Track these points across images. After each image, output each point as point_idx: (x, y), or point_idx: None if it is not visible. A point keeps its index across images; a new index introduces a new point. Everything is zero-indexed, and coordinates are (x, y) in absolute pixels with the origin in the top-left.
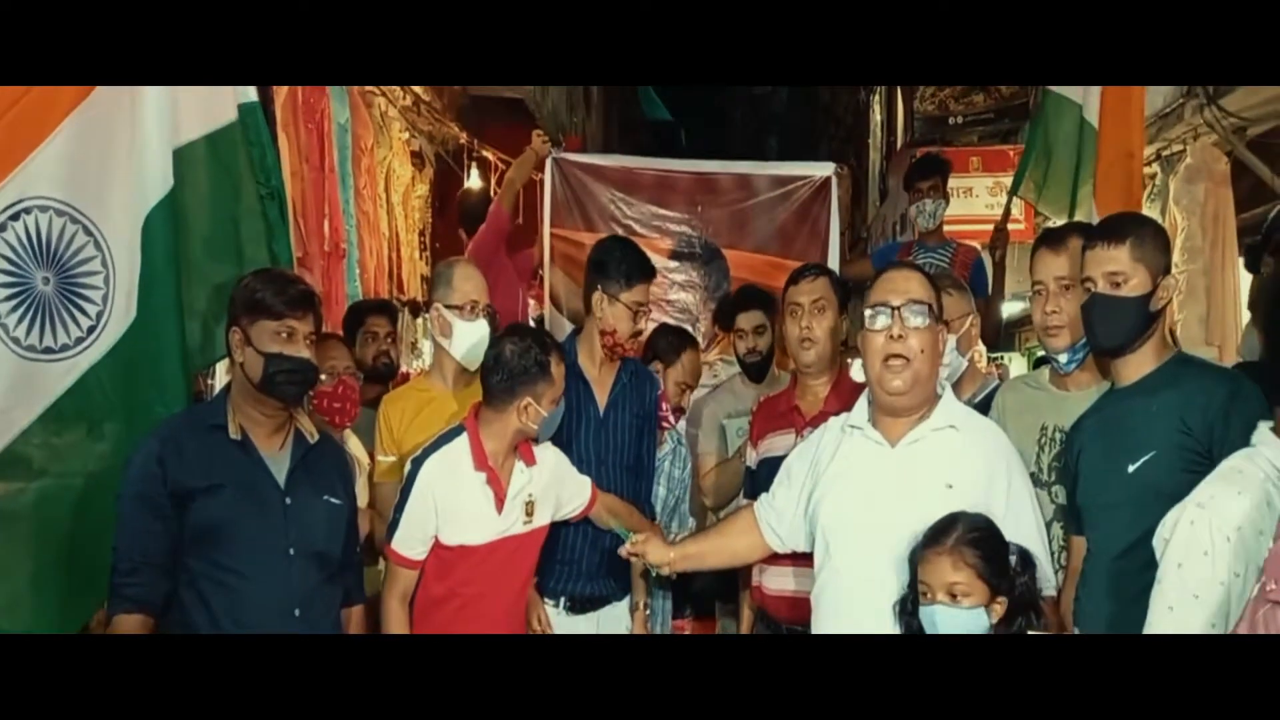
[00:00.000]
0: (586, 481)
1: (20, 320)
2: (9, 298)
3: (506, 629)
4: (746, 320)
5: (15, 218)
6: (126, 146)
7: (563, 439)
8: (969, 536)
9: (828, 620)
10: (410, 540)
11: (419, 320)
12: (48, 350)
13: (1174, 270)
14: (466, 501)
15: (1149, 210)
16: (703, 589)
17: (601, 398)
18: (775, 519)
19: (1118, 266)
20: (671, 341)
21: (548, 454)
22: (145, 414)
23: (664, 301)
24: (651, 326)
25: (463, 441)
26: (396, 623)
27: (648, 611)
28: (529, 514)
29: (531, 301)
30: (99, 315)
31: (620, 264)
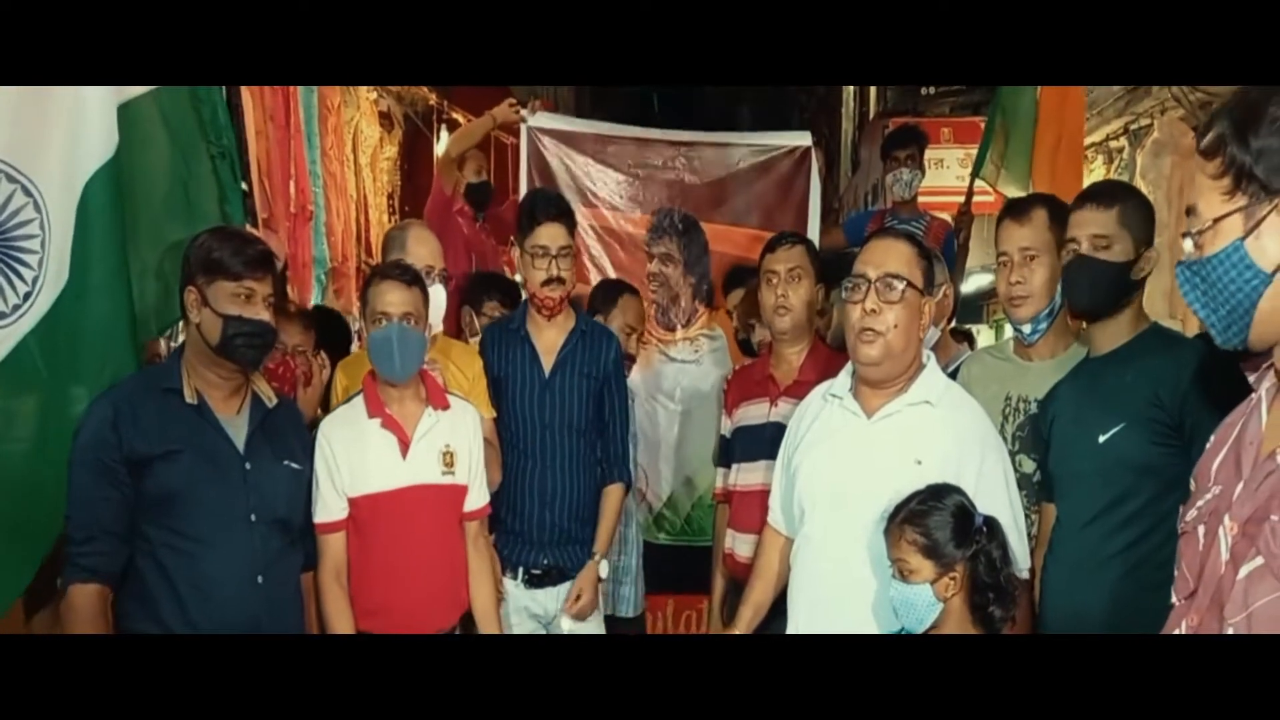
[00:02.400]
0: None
1: None
2: None
3: (447, 605)
4: (735, 298)
5: None
6: (68, 100)
7: (507, 402)
8: (911, 513)
9: (799, 583)
10: (322, 503)
11: None
12: None
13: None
14: (367, 450)
15: None
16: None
17: (548, 359)
18: (784, 515)
19: (1104, 229)
20: (606, 292)
21: (468, 409)
22: (93, 382)
23: (644, 275)
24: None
25: (359, 397)
26: (331, 599)
27: (603, 573)
28: (449, 464)
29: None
30: (34, 280)
31: (524, 212)
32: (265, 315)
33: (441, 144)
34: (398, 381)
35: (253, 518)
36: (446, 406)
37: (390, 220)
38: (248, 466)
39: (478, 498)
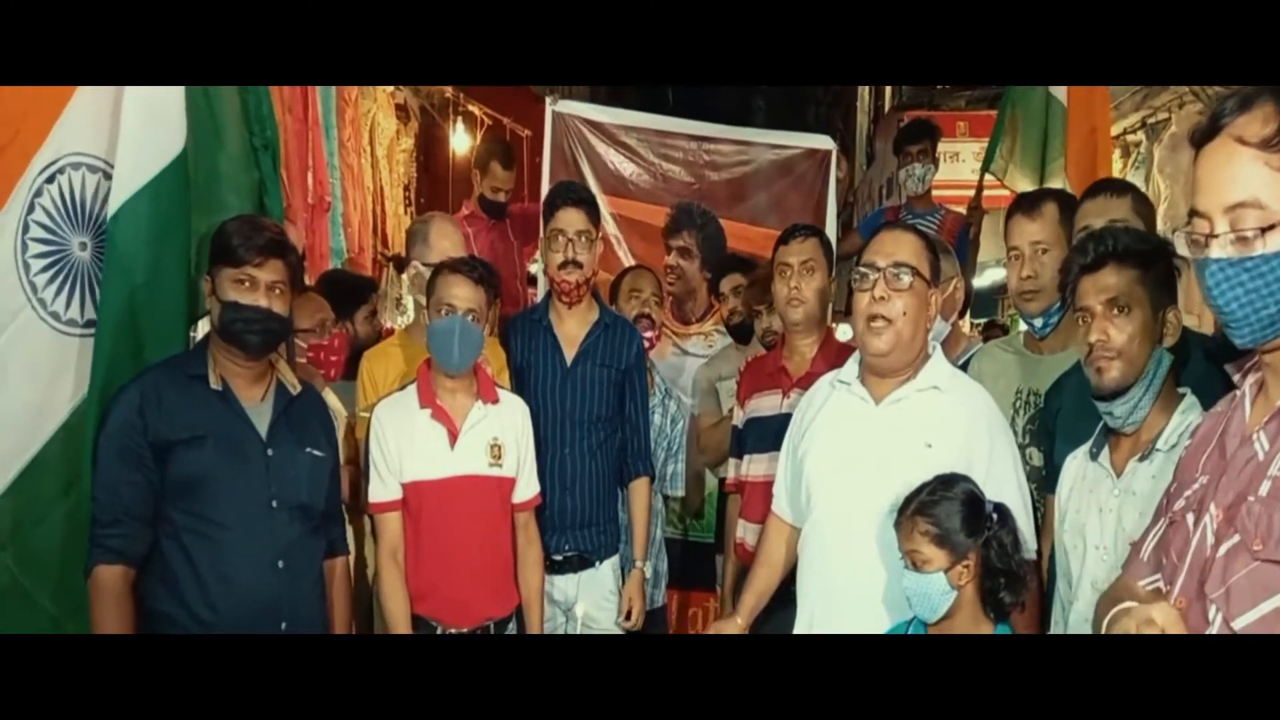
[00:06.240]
0: (535, 484)
1: (59, 292)
2: (46, 268)
3: (495, 596)
4: (727, 284)
5: (51, 180)
6: (146, 95)
7: (528, 390)
8: (922, 504)
9: (808, 571)
10: (379, 484)
11: (404, 276)
12: (90, 324)
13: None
14: (418, 438)
15: (1133, 178)
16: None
17: (570, 350)
18: (789, 503)
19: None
20: None
21: (517, 403)
22: None
23: (662, 267)
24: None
25: (414, 385)
26: (387, 578)
27: (648, 573)
28: (496, 457)
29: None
30: None
31: (546, 202)
32: (266, 302)
33: (458, 135)
34: (453, 373)
35: (274, 504)
36: (496, 400)
37: (407, 212)
38: (270, 453)
39: (527, 488)
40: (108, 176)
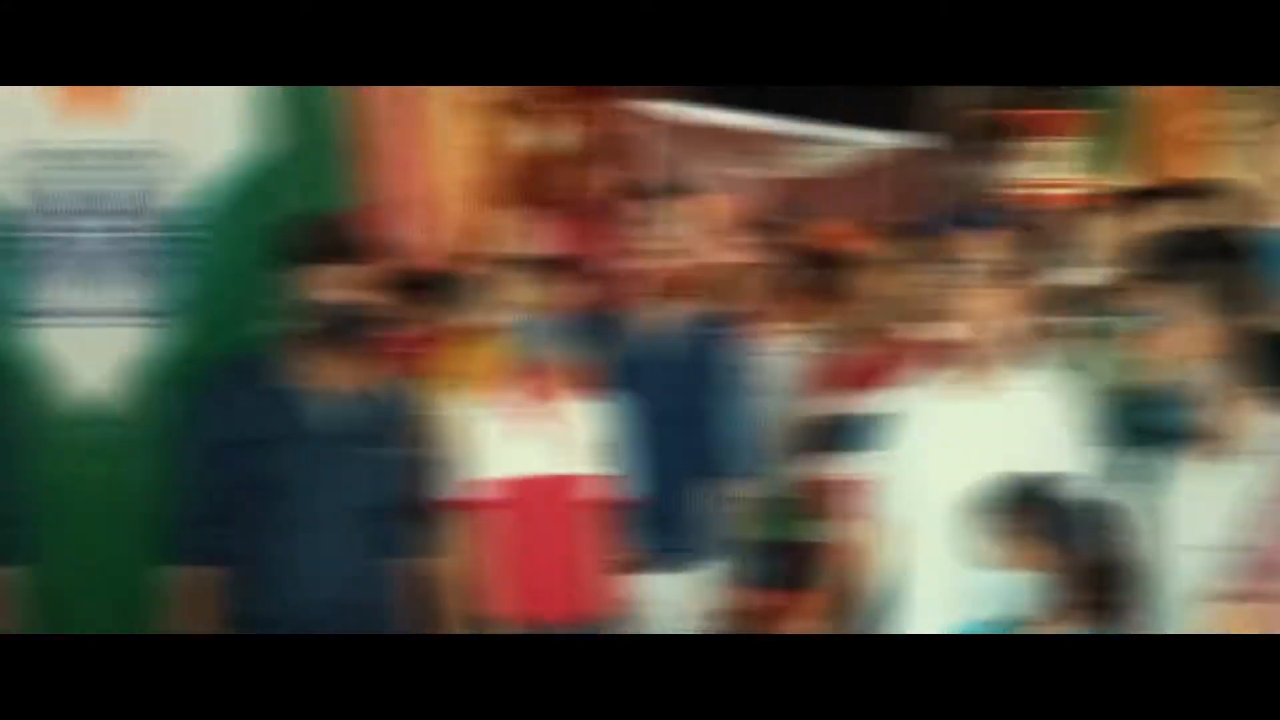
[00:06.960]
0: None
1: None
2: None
3: (568, 594)
4: (825, 279)
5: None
6: (219, 94)
7: (609, 387)
8: (1019, 501)
9: (897, 568)
10: (456, 482)
11: (483, 273)
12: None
13: None
14: (501, 436)
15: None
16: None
17: (654, 345)
18: (878, 499)
19: None
20: None
21: (600, 402)
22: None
23: (749, 264)
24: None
25: (496, 382)
26: (462, 580)
27: (726, 573)
28: (579, 455)
29: None
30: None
31: (634, 195)
32: (371, 299)
33: (531, 133)
34: (536, 370)
35: (354, 503)
36: (578, 398)
37: (480, 210)
38: (349, 450)
39: (610, 486)
40: (141, 166)
